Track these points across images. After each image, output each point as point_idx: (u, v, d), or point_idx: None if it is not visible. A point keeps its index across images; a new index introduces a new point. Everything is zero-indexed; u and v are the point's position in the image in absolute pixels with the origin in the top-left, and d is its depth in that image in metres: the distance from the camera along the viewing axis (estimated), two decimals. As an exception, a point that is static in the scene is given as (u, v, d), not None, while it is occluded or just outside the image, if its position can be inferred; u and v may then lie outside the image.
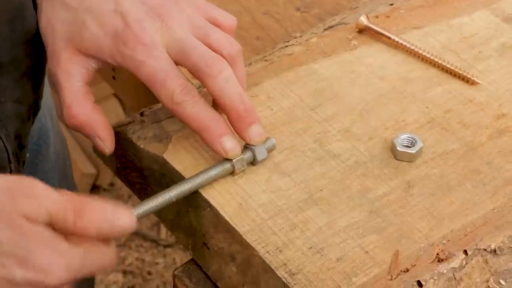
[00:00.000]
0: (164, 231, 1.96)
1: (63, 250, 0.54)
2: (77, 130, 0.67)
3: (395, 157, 0.69)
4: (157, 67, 0.64)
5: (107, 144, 0.68)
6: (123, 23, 0.64)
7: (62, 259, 0.53)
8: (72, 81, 0.66)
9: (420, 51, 0.78)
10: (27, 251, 0.52)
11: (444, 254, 0.62)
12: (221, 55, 0.65)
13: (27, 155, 0.78)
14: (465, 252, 0.62)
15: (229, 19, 0.69)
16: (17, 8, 0.66)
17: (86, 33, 0.65)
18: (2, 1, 0.64)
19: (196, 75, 0.65)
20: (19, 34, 0.67)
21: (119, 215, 0.56)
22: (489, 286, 0.62)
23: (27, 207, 0.53)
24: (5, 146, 0.68)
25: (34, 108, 0.73)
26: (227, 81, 0.64)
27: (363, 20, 0.80)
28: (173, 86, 0.64)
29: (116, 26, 0.64)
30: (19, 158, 0.72)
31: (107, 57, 0.65)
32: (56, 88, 0.67)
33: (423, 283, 0.60)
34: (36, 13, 0.68)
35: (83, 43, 0.65)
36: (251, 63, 0.78)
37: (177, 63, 0.65)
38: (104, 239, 0.56)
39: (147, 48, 0.64)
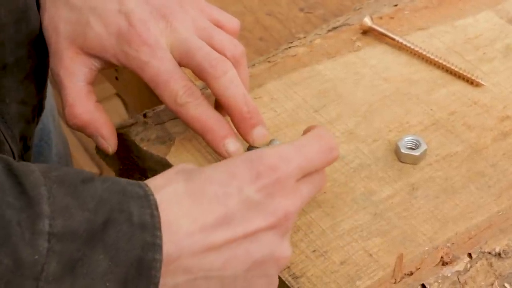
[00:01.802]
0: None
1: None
2: (79, 130, 0.67)
3: (399, 160, 0.69)
4: (161, 68, 0.64)
5: (111, 143, 0.68)
6: (128, 23, 0.64)
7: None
8: (74, 81, 0.66)
9: (424, 53, 0.78)
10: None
11: (449, 257, 0.61)
12: (225, 56, 0.65)
13: None
14: (470, 255, 0.62)
15: (232, 22, 0.69)
16: (22, 9, 0.66)
17: (90, 33, 0.65)
18: (8, 2, 0.63)
19: (200, 76, 0.65)
20: (24, 35, 0.66)
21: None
22: (493, 290, 0.62)
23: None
24: (10, 148, 0.68)
25: (38, 108, 0.73)
26: (232, 82, 0.64)
27: (367, 21, 0.80)
28: (177, 87, 0.64)
29: (120, 26, 0.64)
30: (25, 160, 0.72)
31: (110, 57, 0.65)
32: (58, 87, 0.67)
33: (427, 286, 0.60)
34: (39, 13, 0.68)
35: (87, 43, 0.65)
36: (254, 64, 0.78)
37: (181, 64, 0.65)
38: None
39: (151, 49, 0.64)
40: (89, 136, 0.68)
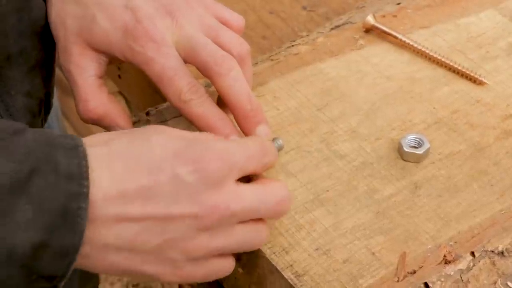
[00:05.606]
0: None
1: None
2: (95, 123, 0.67)
3: (402, 158, 0.69)
4: (166, 65, 0.64)
5: None
6: (134, 19, 0.64)
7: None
8: (85, 76, 0.66)
9: (427, 51, 0.78)
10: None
11: (451, 255, 0.61)
12: (231, 54, 0.65)
13: None
14: (473, 253, 0.62)
15: (237, 19, 0.69)
16: None
17: (96, 28, 0.65)
18: None
19: (205, 73, 0.65)
20: (27, 25, 0.66)
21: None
22: (496, 288, 0.62)
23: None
24: None
25: (46, 104, 0.73)
26: (236, 80, 0.64)
27: (370, 19, 0.80)
28: (181, 84, 0.64)
29: (126, 22, 0.64)
30: None
31: (116, 52, 0.65)
32: (69, 83, 0.67)
33: (430, 285, 0.59)
34: (44, 5, 0.68)
35: (93, 38, 0.65)
36: (257, 63, 0.78)
37: (186, 60, 0.65)
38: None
39: (157, 45, 0.64)
40: (106, 128, 0.68)
